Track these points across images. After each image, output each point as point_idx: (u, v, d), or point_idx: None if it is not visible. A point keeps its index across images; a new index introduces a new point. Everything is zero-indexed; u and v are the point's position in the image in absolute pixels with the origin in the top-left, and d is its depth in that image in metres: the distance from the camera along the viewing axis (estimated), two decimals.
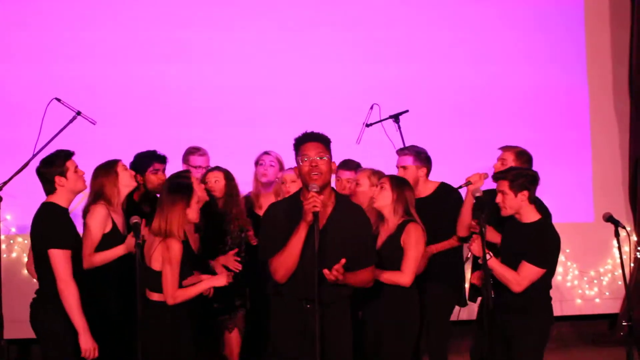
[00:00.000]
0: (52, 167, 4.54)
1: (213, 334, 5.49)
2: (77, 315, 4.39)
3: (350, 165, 5.83)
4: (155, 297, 4.58)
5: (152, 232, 4.61)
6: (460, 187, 5.38)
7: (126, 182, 5.04)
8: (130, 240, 4.72)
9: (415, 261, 4.83)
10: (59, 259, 4.40)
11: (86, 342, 4.40)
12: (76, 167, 4.62)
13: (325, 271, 4.08)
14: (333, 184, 5.77)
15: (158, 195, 5.11)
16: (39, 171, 4.59)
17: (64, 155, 4.60)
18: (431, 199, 5.60)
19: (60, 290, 4.38)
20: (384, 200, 4.94)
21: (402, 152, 5.70)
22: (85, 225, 4.90)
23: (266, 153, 6.00)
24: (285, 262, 4.14)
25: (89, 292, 4.72)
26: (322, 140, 4.23)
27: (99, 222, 4.84)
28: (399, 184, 4.98)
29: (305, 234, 4.09)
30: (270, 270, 4.22)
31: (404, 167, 5.62)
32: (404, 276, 4.81)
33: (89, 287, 4.75)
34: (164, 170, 5.67)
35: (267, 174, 5.92)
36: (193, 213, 4.69)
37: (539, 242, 4.66)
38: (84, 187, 4.69)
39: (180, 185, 4.77)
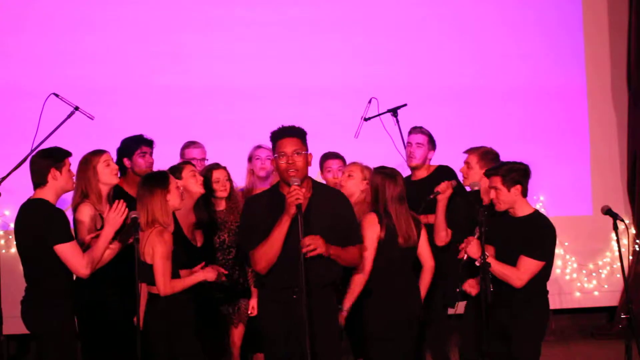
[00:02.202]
0: (50, 159, 4.48)
1: (217, 326, 5.48)
2: (103, 244, 4.44)
3: (334, 155, 5.87)
4: (154, 290, 4.58)
5: (141, 228, 4.60)
6: (430, 199, 5.36)
7: (106, 180, 4.95)
8: (111, 215, 4.56)
9: (369, 253, 4.80)
10: (67, 253, 4.34)
11: (108, 228, 4.46)
12: (70, 167, 4.59)
13: (305, 241, 4.09)
14: (316, 174, 5.84)
15: None
16: (35, 160, 4.50)
17: (65, 151, 4.57)
18: (428, 179, 5.71)
19: (88, 274, 4.38)
20: (350, 189, 5.08)
21: (418, 130, 5.79)
22: (76, 223, 4.86)
23: (260, 147, 5.99)
24: (267, 253, 4.21)
25: (87, 290, 4.74)
26: (298, 135, 4.26)
27: (88, 221, 4.81)
28: (373, 177, 4.98)
29: (287, 226, 4.15)
30: (251, 261, 4.30)
31: (420, 144, 5.74)
32: (360, 274, 4.82)
33: (86, 283, 4.77)
34: (151, 153, 5.67)
35: (266, 167, 5.93)
36: (175, 199, 4.67)
37: (536, 235, 4.67)
38: (72, 189, 4.65)
39: (152, 175, 4.79)
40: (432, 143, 5.83)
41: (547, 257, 4.69)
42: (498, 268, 4.65)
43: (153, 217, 4.57)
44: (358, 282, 4.84)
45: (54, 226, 4.38)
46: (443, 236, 5.34)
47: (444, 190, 5.32)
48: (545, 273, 4.74)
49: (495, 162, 5.19)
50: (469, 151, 5.36)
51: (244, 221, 4.46)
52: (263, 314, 4.42)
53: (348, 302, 4.84)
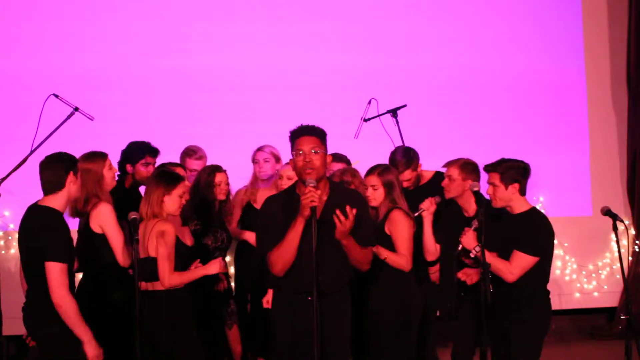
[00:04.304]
0: (69, 162, 4.33)
1: (216, 327, 5.50)
2: (79, 327, 4.24)
3: (340, 157, 5.85)
4: (157, 286, 4.61)
5: (141, 216, 4.63)
6: (416, 216, 5.34)
7: (110, 183, 4.99)
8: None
9: (408, 243, 4.93)
10: (55, 272, 4.20)
11: (93, 349, 4.27)
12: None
13: (337, 217, 4.04)
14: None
15: None
16: (53, 162, 4.32)
17: (76, 158, 4.45)
18: (428, 187, 5.68)
19: (57, 305, 4.21)
20: (379, 199, 5.05)
21: (399, 169, 5.56)
22: (100, 226, 4.83)
23: (259, 149, 5.96)
24: (283, 255, 4.16)
25: (89, 292, 4.76)
26: (317, 134, 4.22)
27: (115, 218, 4.82)
28: (386, 177, 5.05)
29: (302, 228, 4.10)
30: (268, 263, 4.23)
31: (408, 180, 5.63)
32: (403, 258, 4.90)
33: (91, 283, 4.81)
34: (154, 164, 5.66)
35: (263, 170, 5.90)
36: (173, 204, 4.70)
37: (530, 230, 4.66)
38: (78, 196, 4.56)
39: (166, 173, 4.83)
40: (414, 163, 5.64)
41: (541, 252, 4.65)
42: (492, 261, 4.62)
43: (152, 209, 4.65)
44: (400, 261, 4.90)
45: (54, 241, 4.24)
46: (433, 251, 5.37)
47: (428, 207, 5.34)
48: (542, 271, 4.72)
49: (476, 172, 5.21)
50: (448, 164, 5.35)
51: (260, 222, 4.40)
52: (277, 316, 4.38)
53: (384, 252, 4.88)
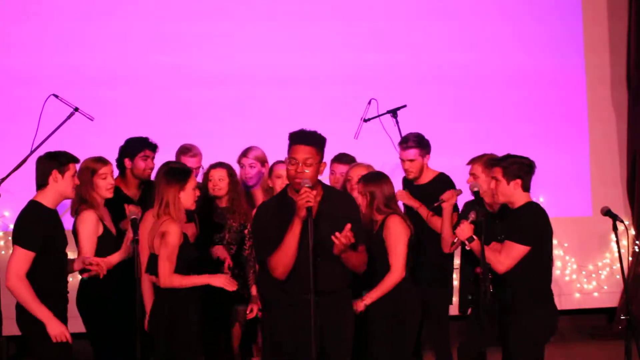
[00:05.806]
0: (55, 161, 4.48)
1: (217, 327, 5.49)
2: (36, 307, 4.33)
3: (345, 159, 5.83)
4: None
5: (153, 215, 4.63)
6: (435, 206, 5.33)
7: (100, 192, 4.96)
8: (125, 247, 4.79)
9: (401, 253, 4.91)
10: (19, 257, 4.32)
11: (54, 328, 4.35)
12: (75, 173, 4.58)
13: (335, 237, 4.08)
14: (327, 178, 5.81)
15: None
16: (41, 160, 4.52)
17: (71, 157, 4.57)
18: (428, 187, 5.63)
19: (10, 287, 4.32)
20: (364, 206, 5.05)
21: (406, 146, 5.62)
22: (76, 230, 4.88)
23: (243, 155, 5.90)
24: (283, 259, 4.16)
25: (92, 288, 4.80)
26: (314, 143, 4.19)
27: (91, 227, 4.84)
28: (368, 184, 5.02)
29: (299, 229, 4.10)
30: (269, 268, 4.23)
31: (411, 160, 5.60)
32: (394, 273, 4.90)
33: (90, 283, 4.83)
34: (153, 158, 5.65)
35: (249, 175, 5.84)
36: (188, 198, 4.68)
37: (520, 220, 4.64)
38: (72, 195, 4.64)
39: (176, 169, 4.80)
40: (424, 149, 5.62)
41: (532, 242, 4.58)
42: (484, 252, 4.60)
43: (166, 209, 4.60)
44: (390, 281, 4.88)
45: (27, 227, 4.39)
46: (449, 243, 5.31)
47: (448, 198, 5.28)
48: (538, 268, 4.66)
49: None
50: (472, 161, 5.33)
51: (256, 231, 4.43)
52: (275, 318, 4.37)
53: (371, 298, 4.85)
